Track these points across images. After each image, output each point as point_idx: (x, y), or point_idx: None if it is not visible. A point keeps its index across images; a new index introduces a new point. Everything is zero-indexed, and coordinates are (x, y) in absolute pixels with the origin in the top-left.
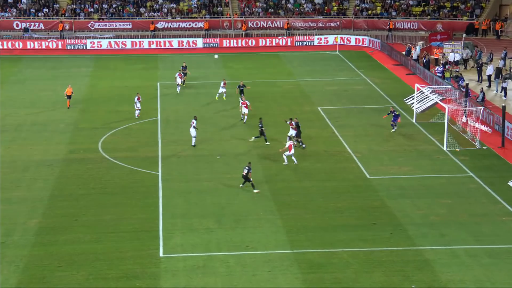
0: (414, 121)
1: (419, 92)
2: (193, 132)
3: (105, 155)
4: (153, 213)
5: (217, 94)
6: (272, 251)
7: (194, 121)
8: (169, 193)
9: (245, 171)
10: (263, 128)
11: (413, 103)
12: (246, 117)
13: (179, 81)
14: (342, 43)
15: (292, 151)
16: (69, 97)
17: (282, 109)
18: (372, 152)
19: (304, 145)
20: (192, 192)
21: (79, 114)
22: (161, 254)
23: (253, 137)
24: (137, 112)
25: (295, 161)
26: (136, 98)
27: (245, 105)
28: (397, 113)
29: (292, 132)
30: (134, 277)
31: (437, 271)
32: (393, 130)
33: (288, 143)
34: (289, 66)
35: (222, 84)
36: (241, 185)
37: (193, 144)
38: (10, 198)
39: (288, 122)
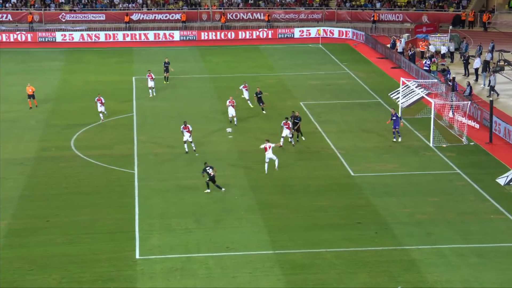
0: (399, 116)
1: (405, 86)
2: (187, 135)
3: (78, 153)
4: (129, 213)
5: (248, 101)
6: (253, 252)
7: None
8: (146, 193)
9: (210, 171)
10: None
11: (399, 97)
12: (235, 119)
13: (150, 83)
14: (324, 35)
15: (269, 151)
16: (31, 96)
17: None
18: (357, 149)
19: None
20: (170, 191)
21: (51, 110)
22: (137, 256)
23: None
24: (105, 113)
25: (276, 166)
26: (96, 99)
27: (232, 104)
28: (399, 115)
29: (287, 132)
30: (109, 280)
31: (423, 271)
32: (394, 139)
33: (264, 145)
34: (270, 59)
35: (243, 87)
36: (207, 190)
37: (193, 148)
38: None
39: (283, 123)
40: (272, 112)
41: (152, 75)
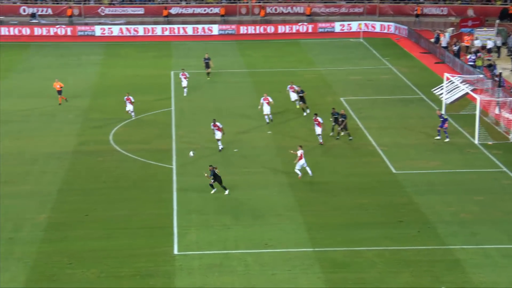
0: (443, 112)
1: (449, 82)
2: (218, 134)
3: (116, 147)
4: (167, 208)
5: (297, 103)
6: (292, 249)
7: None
8: (184, 188)
9: (213, 174)
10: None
11: (442, 93)
12: (270, 116)
13: (184, 83)
14: (366, 29)
15: (302, 161)
16: (59, 92)
17: None
18: (398, 146)
19: (351, 137)
20: (208, 187)
21: (89, 104)
22: (175, 252)
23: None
24: (132, 114)
25: (310, 173)
26: (125, 98)
27: (267, 102)
28: (445, 116)
29: (317, 130)
30: (147, 276)
31: (468, 271)
32: (438, 137)
33: (300, 151)
34: (310, 54)
35: (289, 88)
36: (213, 191)
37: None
38: (18, 192)
39: (313, 119)
40: (312, 108)
41: (186, 73)
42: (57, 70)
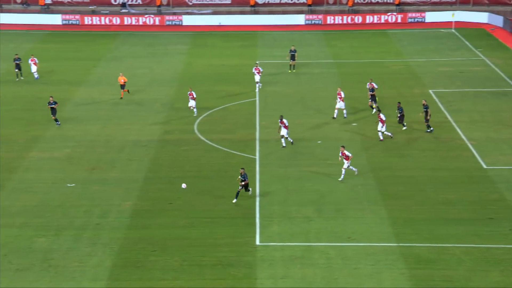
0: None
1: None
2: (283, 131)
3: (200, 136)
4: (249, 199)
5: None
6: (375, 244)
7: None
8: (267, 179)
9: (242, 179)
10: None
11: None
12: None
13: (257, 78)
14: (458, 19)
15: (348, 162)
16: (122, 86)
17: (390, 91)
18: (490, 140)
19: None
20: (290, 178)
21: (175, 94)
22: (257, 242)
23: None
24: (194, 110)
25: (355, 170)
26: (188, 93)
27: (340, 97)
28: None
29: (379, 126)
30: (229, 265)
31: None
32: None
33: (346, 152)
34: (398, 45)
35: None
36: (234, 200)
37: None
38: (106, 179)
39: (378, 115)
40: (400, 99)
41: (260, 68)
42: (145, 59)
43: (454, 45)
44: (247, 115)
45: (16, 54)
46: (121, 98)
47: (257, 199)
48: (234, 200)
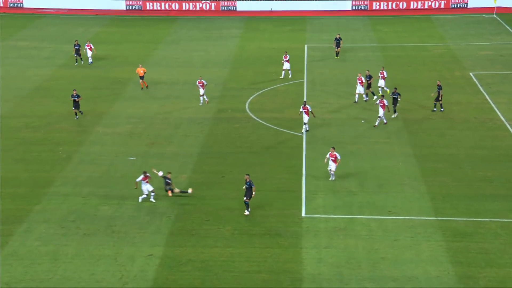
0: None
1: None
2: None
3: (251, 115)
4: (296, 173)
5: (384, 88)
6: (415, 217)
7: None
8: (313, 155)
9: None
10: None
11: None
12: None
13: (286, 65)
14: (500, 5)
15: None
16: (141, 77)
17: (431, 74)
18: None
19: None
20: None
21: (228, 74)
22: (303, 214)
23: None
24: (204, 98)
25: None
26: (197, 82)
27: (360, 82)
28: None
29: (380, 112)
30: (276, 235)
31: None
32: None
33: (337, 154)
34: (440, 29)
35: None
36: (247, 212)
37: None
38: (164, 153)
39: (379, 100)
40: (441, 81)
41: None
42: (201, 42)
43: (495, 30)
44: (295, 95)
45: (76, 40)
46: (142, 88)
47: (304, 173)
48: (246, 213)
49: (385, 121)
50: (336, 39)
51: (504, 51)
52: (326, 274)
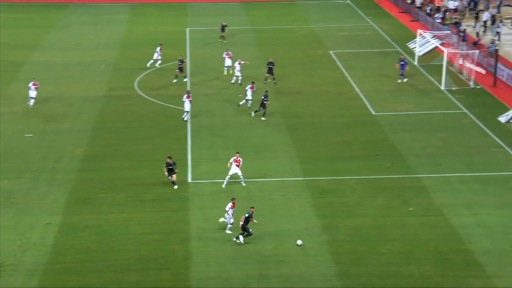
0: (416, 63)
1: (421, 37)
2: (187, 106)
3: (140, 92)
4: (182, 144)
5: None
6: (287, 178)
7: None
8: (197, 127)
9: (245, 217)
10: (266, 101)
11: (415, 47)
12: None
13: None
14: None
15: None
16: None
17: (298, 53)
18: (378, 91)
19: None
20: (217, 126)
21: (118, 56)
22: (189, 180)
23: (253, 112)
24: (31, 101)
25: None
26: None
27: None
28: (406, 61)
29: (249, 95)
30: (166, 200)
31: (432, 196)
32: (399, 80)
33: (240, 159)
34: (304, 13)
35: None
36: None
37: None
38: (59, 130)
39: (250, 86)
40: (306, 59)
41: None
42: (91, 26)
43: (350, 14)
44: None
45: None
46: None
47: (189, 144)
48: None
49: (249, 106)
50: (222, 25)
51: (358, 32)
52: (211, 232)
